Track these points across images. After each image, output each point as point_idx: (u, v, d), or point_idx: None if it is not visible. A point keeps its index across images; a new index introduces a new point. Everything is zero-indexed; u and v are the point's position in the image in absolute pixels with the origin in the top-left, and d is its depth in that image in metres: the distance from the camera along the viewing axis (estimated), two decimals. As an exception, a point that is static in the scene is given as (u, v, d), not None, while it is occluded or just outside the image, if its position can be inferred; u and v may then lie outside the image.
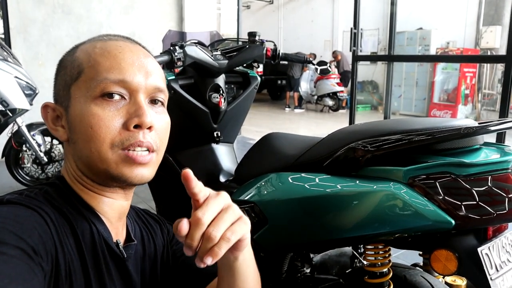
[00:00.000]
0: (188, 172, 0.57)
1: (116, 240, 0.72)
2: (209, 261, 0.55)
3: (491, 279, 0.86)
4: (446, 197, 0.86)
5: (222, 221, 0.57)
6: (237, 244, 0.60)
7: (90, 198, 0.70)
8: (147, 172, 0.68)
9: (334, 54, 11.13)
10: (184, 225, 0.55)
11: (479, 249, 0.88)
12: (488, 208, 0.86)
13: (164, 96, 0.72)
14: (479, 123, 0.93)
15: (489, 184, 0.87)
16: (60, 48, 4.95)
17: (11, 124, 3.31)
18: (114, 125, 0.65)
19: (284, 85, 11.87)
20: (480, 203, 0.86)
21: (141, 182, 0.68)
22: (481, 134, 0.91)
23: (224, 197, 0.60)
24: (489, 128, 0.89)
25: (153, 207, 1.78)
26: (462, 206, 0.86)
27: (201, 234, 0.55)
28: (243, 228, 0.60)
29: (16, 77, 3.10)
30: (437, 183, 0.88)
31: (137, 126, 0.65)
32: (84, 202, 0.69)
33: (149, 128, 0.67)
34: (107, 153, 0.65)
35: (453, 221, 0.85)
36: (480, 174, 0.88)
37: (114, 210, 0.73)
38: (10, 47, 4.49)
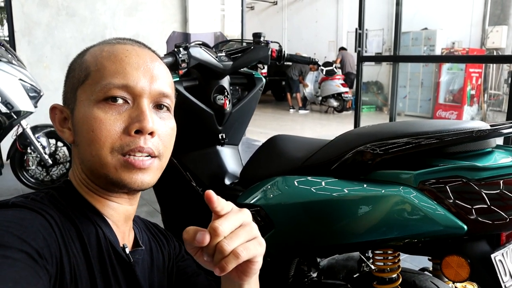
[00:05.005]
0: (210, 193, 0.56)
1: (123, 244, 0.71)
2: (217, 272, 0.55)
3: (505, 286, 0.84)
4: (457, 202, 0.84)
5: (236, 236, 0.56)
6: (246, 266, 0.59)
7: (96, 201, 0.69)
8: (147, 177, 0.67)
9: (340, 52, 11.06)
10: (206, 236, 0.54)
11: (492, 256, 0.86)
12: (501, 213, 0.83)
13: (170, 102, 0.71)
14: (491, 126, 0.91)
15: (502, 188, 0.85)
16: (64, 50, 4.96)
17: (16, 127, 3.31)
18: (115, 129, 0.64)
19: (289, 86, 11.86)
20: (492, 207, 0.83)
21: (141, 188, 0.67)
22: (494, 137, 0.88)
23: (245, 214, 0.60)
24: (502, 131, 0.86)
25: (158, 209, 1.77)
26: (474, 211, 0.83)
27: (215, 244, 0.55)
28: (257, 248, 0.58)
29: (20, 79, 3.10)
30: (448, 187, 0.85)
31: (139, 132, 0.65)
32: (90, 206, 0.69)
33: (151, 133, 0.66)
34: (106, 157, 0.64)
35: (465, 227, 0.83)
36: (493, 178, 0.85)
37: (119, 214, 0.72)
38: (14, 49, 4.50)
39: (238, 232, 0.57)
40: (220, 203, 0.57)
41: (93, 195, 0.69)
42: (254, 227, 0.60)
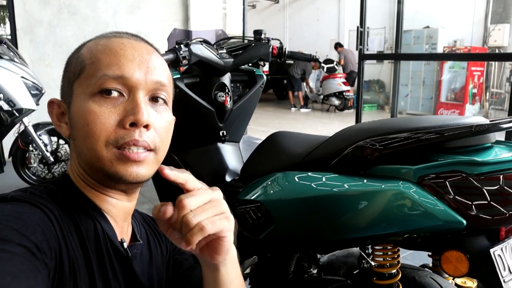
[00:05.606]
0: (162, 166, 0.60)
1: (121, 239, 0.71)
2: (183, 246, 0.58)
3: (504, 281, 0.84)
4: (457, 197, 0.84)
5: (202, 210, 0.58)
6: (216, 243, 0.62)
7: (94, 196, 0.69)
8: (143, 170, 0.66)
9: (341, 51, 11.04)
10: (169, 207, 0.58)
11: (491, 250, 0.86)
12: (500, 208, 0.83)
13: (167, 94, 0.70)
14: (490, 121, 0.91)
15: (501, 183, 0.85)
16: (66, 48, 4.97)
17: (18, 124, 3.32)
18: (110, 122, 0.63)
19: (291, 85, 11.84)
20: (492, 202, 0.84)
21: (137, 180, 0.66)
22: (492, 131, 0.88)
23: (215, 192, 0.62)
24: (501, 125, 0.86)
25: (159, 207, 1.77)
26: (474, 206, 0.84)
27: (181, 216, 0.57)
28: (224, 223, 0.60)
29: (22, 77, 3.11)
30: (447, 182, 0.85)
31: (134, 124, 0.64)
32: (89, 200, 0.69)
33: (146, 126, 0.65)
34: (101, 151, 0.64)
35: (464, 222, 0.83)
36: (492, 173, 0.85)
37: (118, 210, 0.72)
38: (16, 47, 4.50)
39: (205, 207, 0.59)
40: (180, 175, 0.60)
41: (91, 190, 0.69)
42: (223, 203, 0.62)
